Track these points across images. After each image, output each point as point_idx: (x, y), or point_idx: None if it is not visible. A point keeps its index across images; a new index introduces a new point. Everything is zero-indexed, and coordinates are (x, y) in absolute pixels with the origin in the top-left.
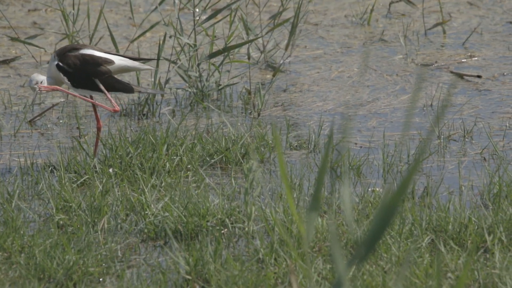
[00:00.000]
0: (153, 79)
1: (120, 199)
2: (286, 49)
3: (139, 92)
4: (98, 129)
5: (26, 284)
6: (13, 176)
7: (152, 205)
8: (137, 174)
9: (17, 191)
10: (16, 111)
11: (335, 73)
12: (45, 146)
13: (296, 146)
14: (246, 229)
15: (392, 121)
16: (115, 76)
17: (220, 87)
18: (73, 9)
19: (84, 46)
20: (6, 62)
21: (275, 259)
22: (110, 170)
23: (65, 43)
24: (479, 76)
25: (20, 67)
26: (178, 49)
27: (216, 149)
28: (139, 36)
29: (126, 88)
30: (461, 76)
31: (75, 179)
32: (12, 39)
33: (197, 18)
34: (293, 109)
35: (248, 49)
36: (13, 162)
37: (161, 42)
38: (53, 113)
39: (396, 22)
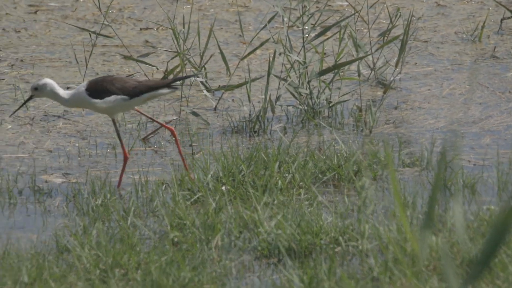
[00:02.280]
0: (263, 96)
1: (233, 217)
2: (396, 66)
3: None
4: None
5: None
6: (128, 193)
7: (265, 223)
8: (249, 192)
9: (133, 209)
10: (130, 128)
11: (446, 90)
12: (158, 163)
13: (409, 163)
14: (360, 247)
15: (506, 138)
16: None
17: (331, 104)
18: (184, 27)
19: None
20: None
21: (389, 277)
22: (223, 187)
23: (176, 61)
24: None
25: None
26: (288, 66)
27: (328, 166)
28: (249, 54)
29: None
30: None
31: (189, 197)
32: (125, 57)
33: (307, 35)
34: (405, 126)
35: (358, 66)
36: (128, 180)
37: (270, 59)
38: (166, 131)
39: (508, 38)
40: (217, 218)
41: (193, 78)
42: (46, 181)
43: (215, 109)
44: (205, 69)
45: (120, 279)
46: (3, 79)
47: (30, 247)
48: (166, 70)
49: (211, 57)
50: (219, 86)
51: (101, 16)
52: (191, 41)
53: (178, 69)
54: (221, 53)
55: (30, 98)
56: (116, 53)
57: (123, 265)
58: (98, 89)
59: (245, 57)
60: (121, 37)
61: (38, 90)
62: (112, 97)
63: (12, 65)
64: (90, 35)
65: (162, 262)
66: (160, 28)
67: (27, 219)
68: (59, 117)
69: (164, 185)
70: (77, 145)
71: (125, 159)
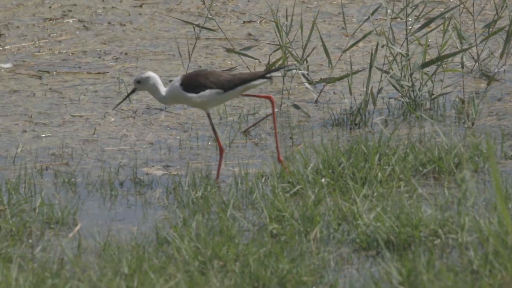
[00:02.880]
0: (365, 89)
1: (332, 209)
2: (501, 57)
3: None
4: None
5: None
6: (228, 185)
7: (364, 215)
8: (349, 184)
9: (232, 201)
10: (231, 121)
11: None
12: (258, 156)
13: (511, 156)
14: (460, 240)
15: None
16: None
17: (433, 97)
18: (287, 20)
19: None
20: None
21: (489, 270)
22: (323, 180)
23: (279, 54)
24: None
25: None
26: (390, 58)
27: (428, 159)
28: (351, 46)
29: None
30: None
31: (288, 189)
32: (228, 50)
33: (410, 27)
34: (508, 119)
35: (462, 58)
36: (228, 172)
37: (373, 51)
38: (267, 123)
39: None
40: (316, 210)
41: (294, 70)
42: (147, 173)
43: (316, 101)
44: (307, 61)
45: (219, 271)
46: (108, 72)
47: (130, 238)
48: (268, 63)
49: (313, 49)
50: (321, 78)
51: (205, 9)
52: (294, 34)
53: (280, 62)
54: (324, 45)
55: (133, 91)
56: (219, 46)
57: (221, 257)
58: (192, 83)
59: (348, 49)
60: (224, 30)
61: (141, 83)
62: (207, 91)
63: (117, 58)
64: (193, 28)
65: (260, 254)
66: (263, 21)
67: (128, 211)
68: (161, 110)
69: (263, 178)
70: (178, 137)
71: (221, 152)
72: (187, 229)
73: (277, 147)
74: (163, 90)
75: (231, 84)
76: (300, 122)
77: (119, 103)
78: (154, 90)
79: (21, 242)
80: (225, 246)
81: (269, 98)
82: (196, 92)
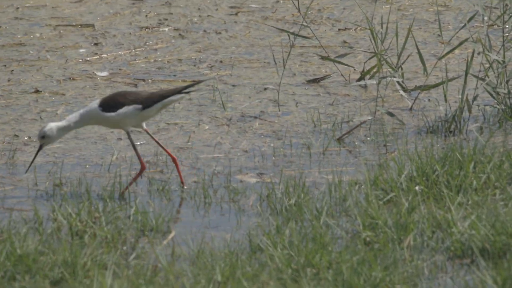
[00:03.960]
0: (460, 96)
1: (426, 217)
2: None
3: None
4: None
5: None
6: (321, 193)
7: (458, 223)
8: (443, 192)
9: (325, 208)
10: (325, 129)
11: None
12: (352, 163)
13: None
14: None
15: None
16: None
17: None
18: (382, 27)
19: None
20: (316, 80)
21: None
22: (417, 187)
23: (374, 61)
24: None
25: (329, 85)
26: (487, 65)
27: None
28: (447, 53)
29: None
30: None
31: (382, 196)
32: (322, 57)
33: (507, 34)
34: None
35: None
36: (321, 179)
37: (469, 59)
38: (361, 131)
39: None
40: (410, 218)
41: (389, 78)
42: (241, 181)
43: (410, 109)
44: (401, 69)
45: (312, 279)
46: (203, 80)
47: (223, 246)
48: (363, 70)
49: (408, 57)
50: (416, 86)
51: (300, 17)
52: (389, 41)
53: (375, 69)
54: (419, 52)
55: (40, 148)
56: (314, 53)
57: (315, 265)
58: (111, 103)
59: (443, 56)
60: (319, 38)
61: (45, 138)
62: (125, 108)
63: (212, 66)
64: (288, 36)
65: (353, 261)
66: (358, 28)
67: (222, 218)
68: (255, 117)
69: (357, 185)
70: (272, 145)
71: (142, 169)
72: (281, 237)
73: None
74: (70, 120)
75: (150, 101)
76: (395, 130)
77: (30, 165)
78: (62, 130)
79: (116, 249)
80: (318, 253)
81: (173, 158)
82: (114, 111)
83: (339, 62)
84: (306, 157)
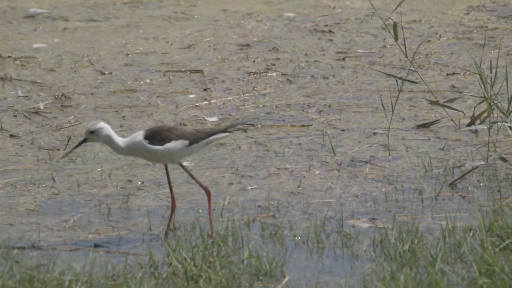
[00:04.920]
0: None
1: None
2: None
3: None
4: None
5: None
6: (435, 239)
7: None
8: None
9: (440, 254)
10: (436, 174)
11: None
12: (466, 209)
13: None
14: None
15: None
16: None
17: None
18: (491, 72)
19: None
20: (425, 125)
21: None
22: None
23: (483, 106)
24: None
25: (439, 130)
26: None
27: None
28: None
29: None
30: None
31: (498, 243)
32: (431, 102)
33: None
34: None
35: None
36: (435, 225)
37: None
38: (473, 176)
39: None
40: None
41: (500, 123)
42: (353, 226)
43: None
44: None
45: None
46: (311, 125)
47: None
48: (473, 115)
49: None
50: None
51: (407, 61)
52: (499, 86)
53: (485, 114)
54: None
55: (84, 141)
56: (422, 98)
57: None
58: (158, 136)
59: None
60: (428, 82)
61: (94, 134)
62: (172, 143)
63: (320, 111)
64: (396, 80)
65: None
66: (467, 73)
67: (335, 263)
68: (365, 162)
69: (471, 231)
70: (383, 190)
71: (173, 207)
72: (395, 283)
73: (211, 226)
74: (118, 140)
75: (196, 137)
76: (508, 175)
77: (67, 153)
78: (108, 141)
79: None
80: None
81: (206, 191)
82: (162, 145)
83: (449, 107)
84: (419, 202)
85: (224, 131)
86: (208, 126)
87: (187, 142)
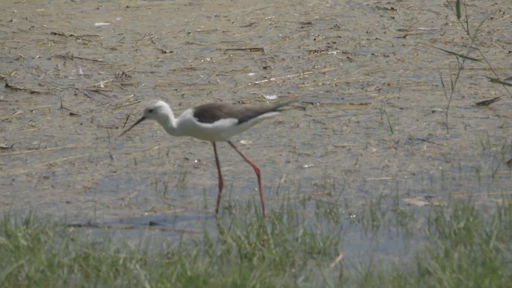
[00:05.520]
0: None
1: None
2: None
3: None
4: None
5: None
6: (491, 217)
7: None
8: None
9: (495, 232)
10: (494, 152)
11: None
12: None
13: None
14: None
15: None
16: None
17: None
18: None
19: None
20: (485, 103)
21: None
22: None
23: None
24: None
25: (499, 108)
26: None
27: None
28: None
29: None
30: None
31: None
32: (492, 80)
33: None
34: None
35: None
36: (491, 203)
37: None
38: None
39: None
40: None
41: None
42: (408, 204)
43: None
44: None
45: None
46: (370, 103)
47: (392, 269)
48: None
49: None
50: None
51: (469, 39)
52: None
53: None
54: None
55: (142, 119)
56: (483, 76)
57: None
58: (207, 114)
59: None
60: (489, 60)
61: (153, 112)
62: (221, 121)
63: (379, 89)
64: (457, 58)
65: None
66: None
67: (389, 241)
68: (423, 140)
69: None
70: (440, 168)
71: (221, 185)
72: (449, 260)
73: (262, 203)
74: (173, 120)
75: (245, 116)
76: None
77: (125, 131)
78: (165, 120)
79: (284, 272)
80: (488, 278)
81: (255, 168)
82: (211, 123)
83: (509, 84)
84: (475, 180)
85: (274, 110)
86: (263, 104)
87: (236, 120)
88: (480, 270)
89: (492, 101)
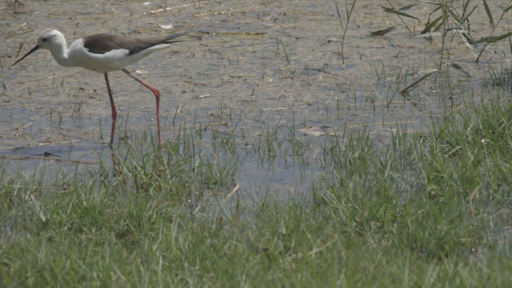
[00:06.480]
0: None
1: (492, 170)
2: None
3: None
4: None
5: (399, 253)
6: (385, 146)
7: None
8: (509, 145)
9: (390, 161)
10: (389, 81)
11: None
12: (417, 116)
13: None
14: None
15: None
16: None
17: None
18: None
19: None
20: (380, 33)
21: None
22: (482, 140)
23: (439, 13)
24: None
25: (394, 37)
26: None
27: None
28: None
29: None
30: None
31: (447, 150)
32: (387, 9)
33: None
34: None
35: None
36: (385, 132)
37: None
38: (426, 83)
39: None
40: (475, 171)
41: (455, 30)
42: (304, 134)
43: (476, 61)
44: (467, 20)
45: (376, 232)
46: (266, 33)
47: (288, 199)
48: (428, 22)
49: (474, 8)
50: (482, 37)
51: None
52: None
53: (440, 21)
54: (485, 4)
55: (36, 48)
56: (378, 5)
57: (379, 218)
58: (98, 45)
59: (510, 7)
60: None
61: (46, 41)
62: (112, 51)
63: (275, 19)
64: None
65: (418, 215)
66: None
67: (286, 171)
68: (319, 70)
69: (422, 138)
70: (336, 98)
71: (114, 115)
72: (345, 190)
73: (158, 129)
74: (65, 51)
75: (136, 47)
76: (460, 82)
77: (19, 60)
78: (57, 50)
79: (181, 202)
80: (382, 207)
81: (154, 91)
82: (102, 53)
83: (404, 14)
84: (370, 110)
85: (165, 41)
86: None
87: (127, 51)
88: (375, 199)
89: (387, 30)
